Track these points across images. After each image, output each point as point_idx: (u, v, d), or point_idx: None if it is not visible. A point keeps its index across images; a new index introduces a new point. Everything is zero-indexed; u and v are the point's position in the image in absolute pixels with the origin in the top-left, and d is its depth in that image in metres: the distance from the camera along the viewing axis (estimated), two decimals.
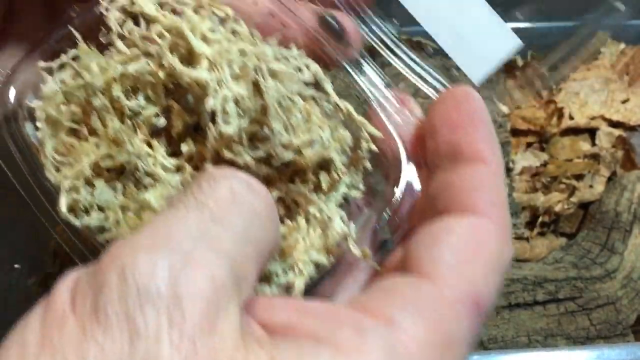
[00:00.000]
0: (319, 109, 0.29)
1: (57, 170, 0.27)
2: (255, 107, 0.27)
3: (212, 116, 0.27)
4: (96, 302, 0.20)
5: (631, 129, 0.62)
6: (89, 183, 0.27)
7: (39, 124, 0.27)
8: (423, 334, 0.22)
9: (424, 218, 0.26)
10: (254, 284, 0.23)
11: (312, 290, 0.27)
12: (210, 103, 0.26)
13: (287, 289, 0.27)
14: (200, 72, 0.27)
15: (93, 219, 0.26)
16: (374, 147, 0.30)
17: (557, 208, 0.56)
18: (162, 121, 0.28)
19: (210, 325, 0.21)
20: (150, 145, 0.27)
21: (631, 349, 0.44)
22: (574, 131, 0.62)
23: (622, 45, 0.67)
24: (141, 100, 0.27)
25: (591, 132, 0.62)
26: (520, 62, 0.66)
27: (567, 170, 0.59)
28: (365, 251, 0.28)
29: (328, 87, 0.30)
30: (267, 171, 0.28)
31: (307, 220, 0.28)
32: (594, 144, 0.61)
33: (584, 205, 0.57)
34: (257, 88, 0.27)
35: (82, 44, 0.28)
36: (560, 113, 0.63)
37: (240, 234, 0.23)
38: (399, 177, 0.29)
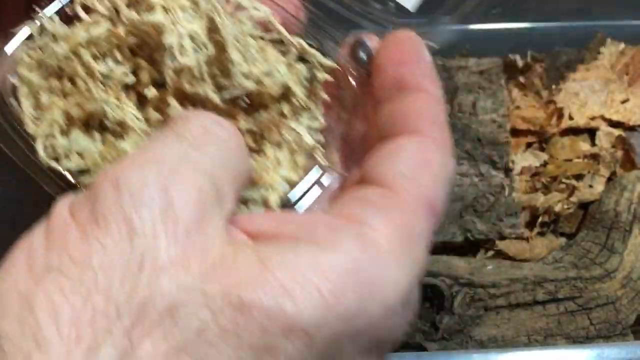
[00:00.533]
0: (272, 49, 0.32)
1: (35, 124, 0.29)
2: (212, 44, 0.29)
3: (172, 56, 0.29)
4: (94, 210, 0.23)
5: (631, 129, 0.62)
6: (66, 133, 0.29)
7: (15, 82, 0.30)
8: (390, 231, 0.25)
9: (375, 142, 0.30)
10: (232, 206, 0.26)
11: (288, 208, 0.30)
12: (167, 40, 0.29)
13: (265, 206, 0.30)
14: (155, 16, 0.29)
15: (73, 163, 0.29)
16: (328, 77, 0.32)
17: (557, 208, 0.56)
18: (131, 78, 0.30)
19: (200, 226, 0.23)
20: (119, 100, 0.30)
21: (631, 348, 0.44)
22: (574, 131, 0.62)
23: (622, 46, 0.67)
24: (110, 63, 0.30)
25: (591, 132, 0.62)
26: (520, 63, 0.66)
27: (567, 170, 0.59)
28: (333, 159, 0.32)
29: (278, 25, 0.32)
30: (233, 110, 0.30)
31: (277, 146, 0.31)
32: (593, 144, 0.61)
33: (584, 205, 0.57)
34: (212, 27, 0.29)
35: (47, 20, 0.30)
36: (560, 113, 0.63)
37: (216, 160, 0.25)
38: (355, 104, 0.32)
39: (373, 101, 0.32)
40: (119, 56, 0.30)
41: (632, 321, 0.50)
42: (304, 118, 0.32)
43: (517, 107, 0.64)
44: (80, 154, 0.29)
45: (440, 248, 0.54)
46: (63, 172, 0.29)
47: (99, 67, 0.29)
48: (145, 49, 0.30)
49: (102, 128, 0.30)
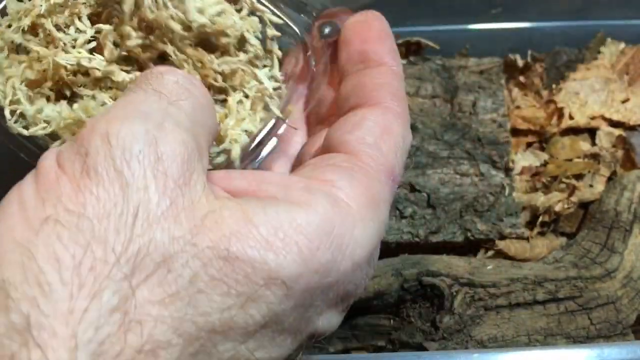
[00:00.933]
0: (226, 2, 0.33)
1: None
2: None
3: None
4: (85, 163, 0.23)
5: (631, 128, 0.62)
6: (31, 101, 0.31)
7: None
8: (358, 194, 0.27)
9: (340, 113, 0.32)
10: (207, 162, 0.27)
11: (248, 158, 0.33)
12: None
13: (227, 159, 0.32)
14: None
15: (40, 128, 0.30)
16: (276, 33, 0.35)
17: (557, 208, 0.56)
18: (92, 44, 0.31)
19: (186, 180, 0.24)
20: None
21: (631, 348, 0.44)
22: (574, 131, 0.62)
23: (622, 45, 0.67)
24: (72, 32, 0.31)
25: (591, 132, 0.62)
26: (520, 63, 0.66)
27: (567, 170, 0.59)
28: (288, 110, 0.34)
29: None
30: (200, 52, 0.32)
31: (239, 97, 0.33)
32: (594, 144, 0.61)
33: (584, 205, 0.57)
34: None
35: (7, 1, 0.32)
36: (560, 113, 0.63)
37: (191, 115, 0.26)
38: (307, 61, 0.35)
39: (339, 72, 0.34)
40: (80, 25, 0.31)
41: (632, 321, 0.50)
42: (262, 72, 0.34)
43: (517, 107, 0.64)
44: (47, 121, 0.30)
45: (440, 248, 0.54)
46: (36, 137, 0.30)
47: (60, 35, 0.31)
48: (105, 15, 0.32)
49: (70, 97, 0.31)
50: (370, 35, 0.33)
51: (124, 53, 0.31)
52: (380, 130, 0.30)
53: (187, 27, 0.31)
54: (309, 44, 0.35)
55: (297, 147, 0.36)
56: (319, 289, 0.25)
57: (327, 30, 0.35)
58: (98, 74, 0.31)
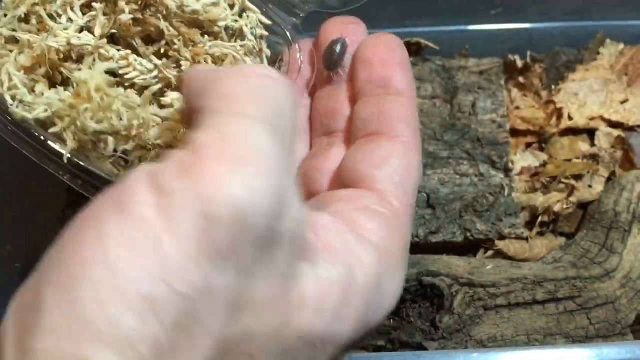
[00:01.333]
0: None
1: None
2: None
3: None
4: (206, 234, 0.21)
5: (630, 129, 0.62)
6: (30, 87, 0.31)
7: None
8: (394, 244, 0.28)
9: (357, 135, 0.33)
10: None
11: None
12: None
13: None
14: None
15: (41, 110, 0.30)
16: (264, 33, 0.36)
17: (556, 208, 0.57)
18: (83, 33, 0.32)
19: (289, 264, 0.23)
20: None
21: (630, 348, 0.44)
22: (573, 131, 0.62)
23: (621, 46, 0.67)
24: (64, 20, 0.32)
25: (590, 132, 0.62)
26: (519, 63, 0.66)
27: (566, 170, 0.59)
28: None
29: None
30: (195, 32, 0.33)
31: None
32: (592, 144, 0.61)
33: (583, 205, 0.57)
34: None
35: None
36: (559, 113, 0.63)
37: (288, 147, 0.24)
38: (296, 55, 0.36)
39: (354, 89, 0.35)
40: (72, 15, 0.32)
41: (631, 320, 0.50)
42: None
43: (517, 107, 0.64)
44: (47, 105, 0.31)
45: (440, 248, 0.54)
46: (32, 129, 0.30)
47: (53, 24, 0.32)
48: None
49: (62, 84, 0.32)
50: (394, 61, 0.34)
51: (114, 31, 0.32)
52: (404, 168, 0.31)
53: (181, 8, 0.32)
54: (296, 44, 0.36)
55: (297, 152, 0.36)
56: (353, 342, 0.26)
57: (338, 49, 0.35)
58: (89, 49, 0.31)
